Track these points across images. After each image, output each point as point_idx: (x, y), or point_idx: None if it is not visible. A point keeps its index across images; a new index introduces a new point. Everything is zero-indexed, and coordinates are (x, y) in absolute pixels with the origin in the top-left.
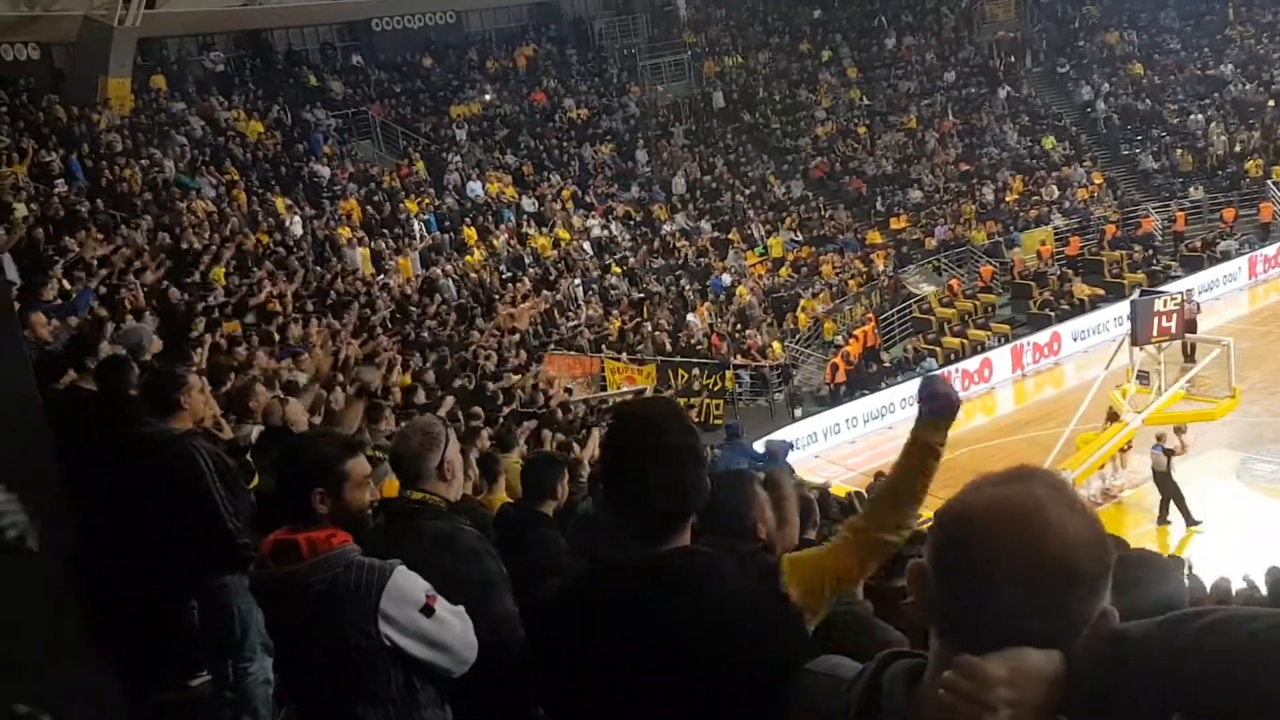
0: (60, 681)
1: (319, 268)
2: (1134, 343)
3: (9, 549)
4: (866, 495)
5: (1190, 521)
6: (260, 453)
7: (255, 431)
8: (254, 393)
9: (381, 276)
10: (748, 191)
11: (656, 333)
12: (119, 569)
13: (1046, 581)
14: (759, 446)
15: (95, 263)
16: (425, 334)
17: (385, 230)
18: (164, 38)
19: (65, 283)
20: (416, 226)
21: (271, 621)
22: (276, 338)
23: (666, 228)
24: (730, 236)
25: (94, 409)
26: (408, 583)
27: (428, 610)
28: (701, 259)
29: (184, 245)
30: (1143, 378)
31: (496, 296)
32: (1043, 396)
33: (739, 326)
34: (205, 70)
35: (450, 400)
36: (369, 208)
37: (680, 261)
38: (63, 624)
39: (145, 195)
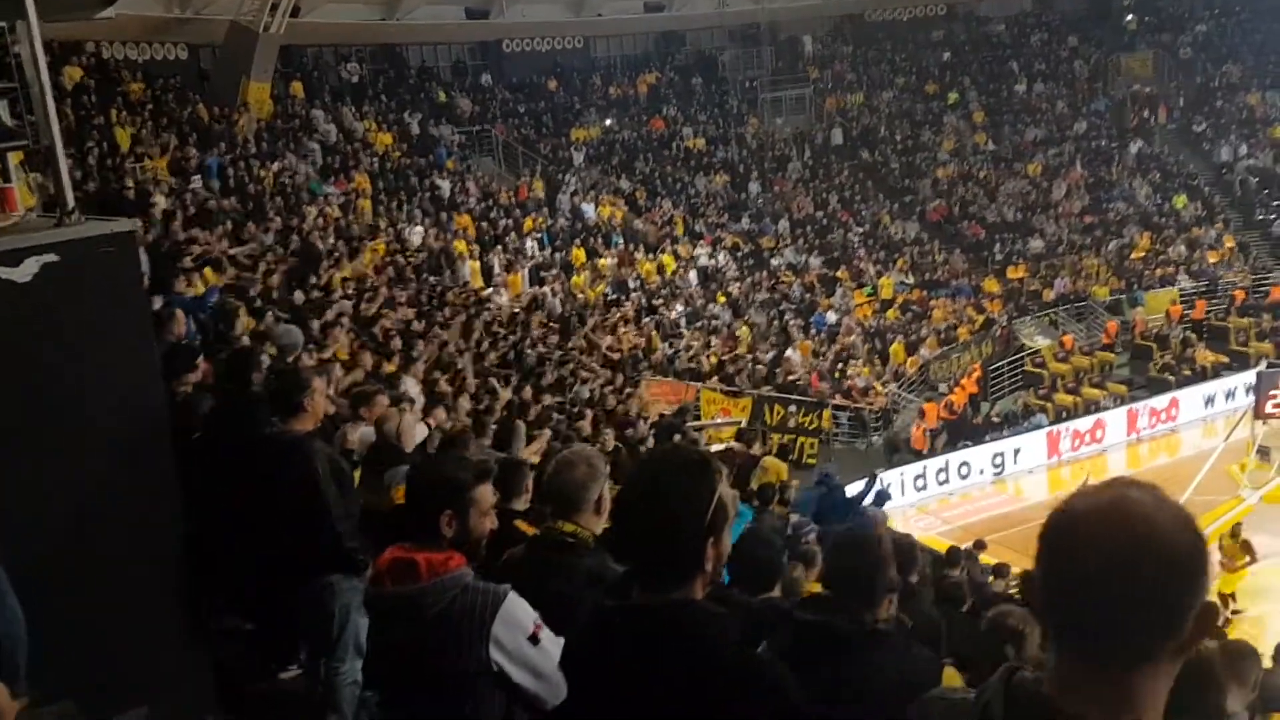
0: (157, 665)
1: (431, 278)
2: (1257, 416)
3: None
4: (962, 550)
5: None
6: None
7: (364, 434)
8: (376, 401)
9: (490, 290)
10: (861, 230)
11: (755, 365)
12: (232, 563)
13: (1146, 567)
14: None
15: (223, 259)
16: (528, 351)
17: (499, 245)
18: (305, 46)
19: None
20: (529, 244)
21: (383, 640)
22: (382, 340)
23: (774, 261)
24: (839, 274)
25: (226, 407)
26: (519, 609)
27: (534, 638)
28: (808, 295)
29: (309, 248)
30: (1263, 453)
31: (594, 320)
32: (1157, 463)
33: (841, 366)
34: (341, 80)
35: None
36: (484, 223)
37: (785, 296)
38: (166, 610)
39: (276, 198)
